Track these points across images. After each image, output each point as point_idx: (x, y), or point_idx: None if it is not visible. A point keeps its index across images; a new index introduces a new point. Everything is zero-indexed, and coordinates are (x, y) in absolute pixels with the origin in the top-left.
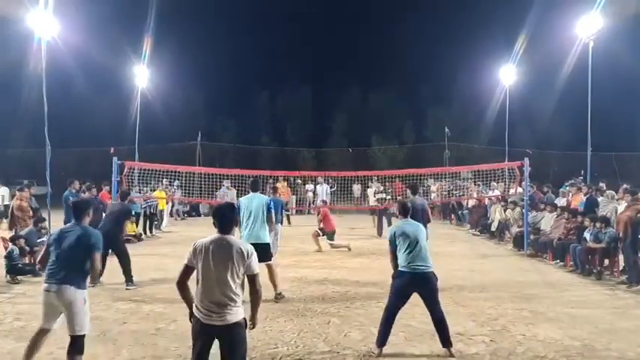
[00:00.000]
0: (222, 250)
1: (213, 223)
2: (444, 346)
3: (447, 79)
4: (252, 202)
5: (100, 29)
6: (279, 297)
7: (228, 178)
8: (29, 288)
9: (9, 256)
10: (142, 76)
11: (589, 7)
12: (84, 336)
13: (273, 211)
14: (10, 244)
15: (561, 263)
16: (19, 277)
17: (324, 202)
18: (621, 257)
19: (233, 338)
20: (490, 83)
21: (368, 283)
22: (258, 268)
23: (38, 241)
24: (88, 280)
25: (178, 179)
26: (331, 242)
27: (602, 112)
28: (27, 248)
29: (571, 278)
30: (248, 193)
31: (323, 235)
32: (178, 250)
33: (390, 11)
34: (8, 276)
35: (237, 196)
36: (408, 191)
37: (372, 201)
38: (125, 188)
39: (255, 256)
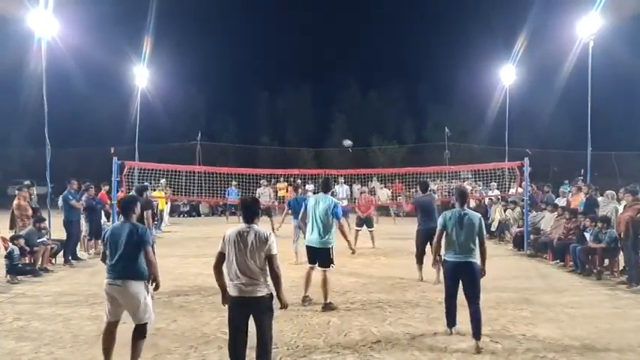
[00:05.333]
0: (246, 237)
1: (240, 215)
2: (473, 338)
3: (447, 79)
4: (318, 204)
5: (100, 29)
6: (327, 307)
7: (263, 178)
8: (29, 288)
9: (9, 256)
10: (142, 76)
11: (589, 7)
12: (146, 324)
13: (340, 217)
14: (10, 244)
15: (561, 263)
16: (19, 277)
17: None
18: (621, 257)
19: (260, 308)
20: (490, 83)
21: (368, 283)
22: (276, 250)
23: (38, 241)
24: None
25: (165, 177)
26: (371, 230)
27: (602, 112)
28: (27, 248)
29: (571, 278)
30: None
31: (362, 226)
32: (178, 249)
33: (390, 11)
34: (8, 276)
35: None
36: (418, 189)
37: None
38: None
39: (273, 240)
